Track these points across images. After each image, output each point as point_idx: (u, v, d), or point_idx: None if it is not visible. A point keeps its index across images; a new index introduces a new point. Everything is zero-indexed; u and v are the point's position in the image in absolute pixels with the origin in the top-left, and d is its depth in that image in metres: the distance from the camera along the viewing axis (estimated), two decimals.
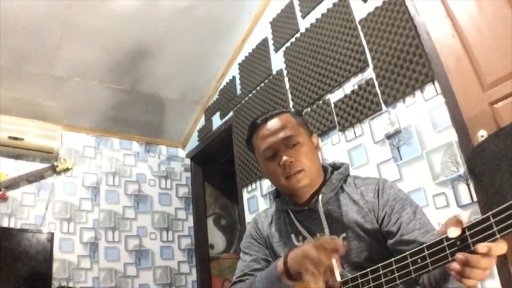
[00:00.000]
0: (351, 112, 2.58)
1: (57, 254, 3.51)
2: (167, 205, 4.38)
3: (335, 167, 1.36)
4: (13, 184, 3.54)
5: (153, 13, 3.30)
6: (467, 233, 0.71)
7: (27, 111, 3.71)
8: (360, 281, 0.94)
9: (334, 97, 2.73)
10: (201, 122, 4.52)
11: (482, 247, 0.69)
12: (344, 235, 1.19)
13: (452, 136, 2.00)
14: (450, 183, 1.98)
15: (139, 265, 3.93)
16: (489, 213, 0.68)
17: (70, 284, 3.47)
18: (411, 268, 0.81)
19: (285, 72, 3.22)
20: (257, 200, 3.36)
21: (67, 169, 3.86)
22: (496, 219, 0.67)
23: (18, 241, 3.33)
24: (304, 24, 3.09)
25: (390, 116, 2.33)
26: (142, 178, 4.33)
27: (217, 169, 4.82)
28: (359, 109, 2.52)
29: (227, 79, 4.08)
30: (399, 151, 2.26)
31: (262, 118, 1.33)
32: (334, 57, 2.74)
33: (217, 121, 4.18)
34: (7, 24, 3.02)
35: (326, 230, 1.21)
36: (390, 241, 1.13)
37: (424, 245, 0.79)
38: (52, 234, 3.53)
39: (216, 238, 4.56)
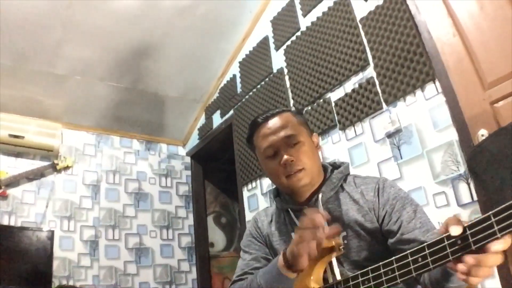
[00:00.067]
0: (351, 111, 2.58)
1: (57, 252, 3.52)
2: (167, 203, 4.39)
3: (335, 166, 1.36)
4: (14, 182, 3.54)
5: (154, 12, 3.30)
6: (468, 232, 0.71)
7: (27, 109, 3.71)
8: (360, 279, 0.94)
9: (335, 95, 2.73)
10: (202, 120, 4.52)
11: (496, 244, 0.69)
12: (344, 234, 1.20)
13: (452, 135, 2.00)
14: (451, 182, 1.98)
15: (139, 263, 3.93)
16: (490, 212, 0.68)
17: (70, 282, 3.48)
18: (412, 267, 0.81)
19: (285, 70, 3.21)
20: (257, 199, 3.36)
21: (67, 167, 3.87)
22: (497, 218, 0.66)
23: (18, 239, 3.33)
24: (305, 22, 3.09)
25: (390, 115, 2.32)
26: (142, 176, 4.33)
27: (218, 167, 4.82)
28: (360, 107, 2.52)
29: (227, 77, 4.08)
30: (399, 150, 2.27)
31: (263, 117, 1.33)
32: (335, 55, 2.74)
33: (217, 120, 4.18)
34: (8, 22, 3.02)
35: (326, 229, 1.21)
36: (390, 240, 1.13)
37: (425, 244, 0.79)
38: (52, 232, 3.53)
39: (216, 237, 4.56)
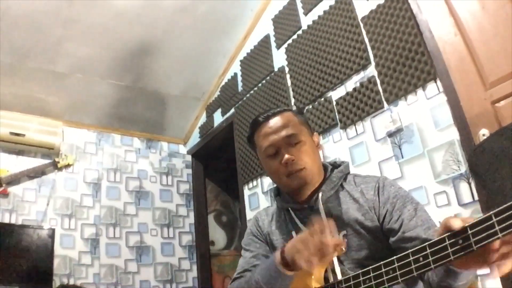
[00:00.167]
0: (352, 110, 2.57)
1: (58, 250, 3.52)
2: (168, 202, 4.39)
3: (335, 165, 1.36)
4: (14, 180, 3.54)
5: (155, 10, 3.30)
6: (469, 232, 0.71)
7: (28, 107, 3.71)
8: (361, 278, 0.94)
9: (336, 94, 2.73)
10: (203, 118, 4.52)
11: None
12: (344, 232, 1.20)
13: (453, 134, 2.00)
14: (452, 182, 1.98)
15: (140, 262, 3.94)
16: (491, 212, 0.68)
17: (71, 280, 3.48)
18: (413, 266, 0.81)
19: (287, 69, 3.21)
20: (258, 197, 3.36)
21: (68, 165, 3.86)
22: (498, 218, 0.67)
23: (19, 237, 3.34)
24: (306, 21, 3.09)
25: (392, 114, 2.32)
26: (143, 174, 4.33)
27: (218, 166, 4.82)
28: (361, 106, 2.51)
29: (228, 76, 4.07)
30: (400, 149, 2.27)
31: (264, 116, 1.33)
32: (336, 54, 2.73)
33: (218, 118, 4.18)
34: (9, 20, 3.02)
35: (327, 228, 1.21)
36: (392, 239, 1.13)
37: (426, 243, 0.79)
38: (53, 230, 3.54)
39: (217, 235, 4.57)
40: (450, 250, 0.75)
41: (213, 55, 3.98)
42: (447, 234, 0.76)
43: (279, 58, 3.33)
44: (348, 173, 1.35)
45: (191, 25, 3.52)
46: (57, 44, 3.33)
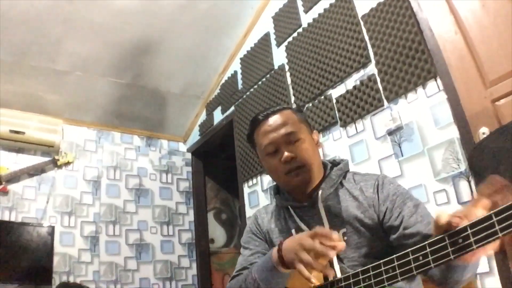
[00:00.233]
0: (352, 108, 2.57)
1: (57, 247, 3.52)
2: (168, 199, 4.39)
3: (335, 163, 1.37)
4: (14, 177, 3.55)
5: (155, 8, 3.29)
6: (469, 231, 0.71)
7: (28, 104, 3.71)
8: (361, 277, 0.94)
9: (336, 92, 2.73)
10: (203, 116, 4.52)
11: None
12: (344, 230, 1.20)
13: (453, 133, 2.00)
14: (451, 180, 1.98)
15: (139, 259, 3.94)
16: (491, 211, 0.68)
17: (71, 278, 3.48)
18: (413, 265, 0.81)
19: (287, 67, 3.21)
20: (258, 195, 3.36)
21: (68, 163, 3.87)
22: (498, 218, 0.67)
23: (19, 235, 3.34)
24: (306, 19, 3.08)
25: (391, 112, 2.32)
26: (143, 172, 4.33)
27: (218, 163, 4.82)
28: (361, 105, 2.51)
29: (228, 73, 4.07)
30: (400, 147, 2.26)
31: (264, 114, 1.33)
32: (336, 52, 2.73)
33: (218, 116, 4.18)
34: (9, 17, 3.02)
35: (326, 226, 1.21)
36: (393, 236, 1.13)
37: (426, 242, 0.79)
38: (53, 227, 3.54)
39: (217, 233, 4.57)
40: (450, 249, 0.75)
41: (213, 53, 3.97)
42: (447, 233, 0.76)
43: (279, 56, 3.33)
44: (348, 171, 1.35)
45: (191, 23, 3.52)
46: (57, 42, 3.32)
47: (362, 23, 2.58)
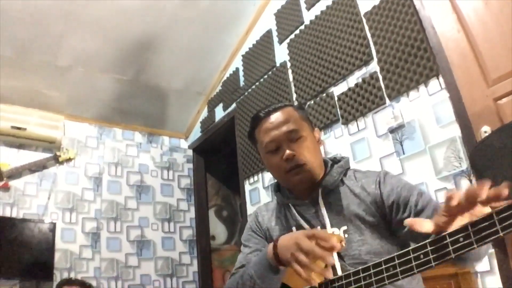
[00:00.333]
0: (354, 106, 2.57)
1: (59, 244, 3.53)
2: (169, 196, 4.39)
3: (336, 160, 1.36)
4: (16, 173, 3.55)
5: (157, 4, 3.29)
6: (470, 230, 0.71)
7: (30, 100, 3.71)
8: (362, 275, 0.94)
9: (338, 90, 2.73)
10: (204, 113, 4.52)
11: None
12: (345, 228, 1.20)
13: (455, 131, 2.00)
14: (453, 179, 1.98)
15: (140, 256, 3.95)
16: (493, 210, 0.68)
17: (72, 274, 3.49)
18: (414, 263, 0.81)
19: (288, 64, 3.21)
20: (259, 192, 3.36)
21: (69, 159, 3.86)
22: (500, 217, 0.66)
23: (20, 231, 3.35)
24: (308, 16, 3.08)
25: (393, 110, 2.32)
26: (144, 168, 4.34)
27: (219, 160, 4.81)
28: (363, 102, 2.51)
29: (230, 70, 4.07)
30: (402, 145, 2.26)
31: (265, 111, 1.33)
32: (338, 50, 2.73)
33: (220, 113, 4.18)
34: (10, 13, 3.01)
35: (327, 223, 1.21)
36: (404, 230, 1.11)
37: (427, 241, 0.79)
38: (54, 224, 3.54)
39: (218, 230, 4.57)
40: (451, 248, 0.74)
41: (215, 50, 3.97)
42: (447, 232, 0.76)
43: (281, 53, 3.32)
44: (348, 168, 1.35)
45: (193, 19, 3.51)
46: (58, 38, 3.32)
47: (364, 20, 2.58)
